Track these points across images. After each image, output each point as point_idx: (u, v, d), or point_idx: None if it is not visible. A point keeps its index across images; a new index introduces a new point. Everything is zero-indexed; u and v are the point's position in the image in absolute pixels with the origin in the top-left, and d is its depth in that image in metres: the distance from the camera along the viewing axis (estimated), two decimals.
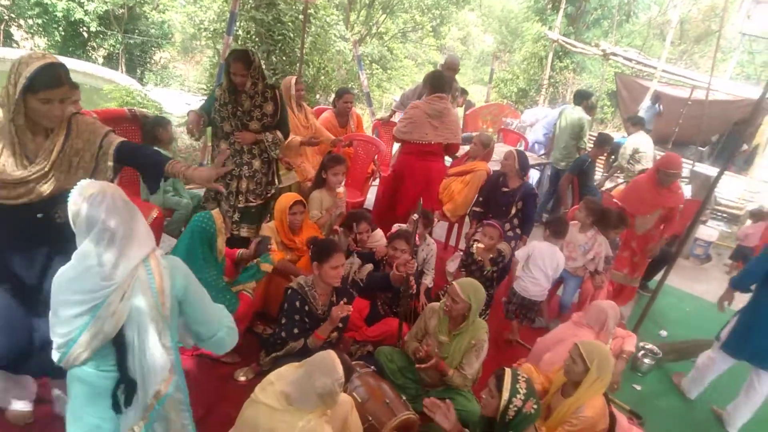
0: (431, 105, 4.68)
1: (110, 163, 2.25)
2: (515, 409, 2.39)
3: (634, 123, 7.41)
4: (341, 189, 4.61)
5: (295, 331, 3.11)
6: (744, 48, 14.47)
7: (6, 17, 16.62)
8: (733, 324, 3.86)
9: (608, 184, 7.19)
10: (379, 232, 4.28)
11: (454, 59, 6.62)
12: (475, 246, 4.20)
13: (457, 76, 6.76)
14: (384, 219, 4.74)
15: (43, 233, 2.20)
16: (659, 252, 5.13)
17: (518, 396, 2.40)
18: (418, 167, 4.79)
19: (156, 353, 1.81)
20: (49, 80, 1.97)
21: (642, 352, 4.44)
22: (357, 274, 3.78)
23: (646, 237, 4.84)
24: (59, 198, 2.09)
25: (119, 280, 1.72)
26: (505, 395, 2.40)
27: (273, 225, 3.92)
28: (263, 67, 3.88)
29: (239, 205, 3.97)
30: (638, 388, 4.21)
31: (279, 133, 3.96)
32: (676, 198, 4.68)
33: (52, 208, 2.17)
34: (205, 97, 4.81)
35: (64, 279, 1.73)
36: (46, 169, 2.08)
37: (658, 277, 5.06)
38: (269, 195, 4.12)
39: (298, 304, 3.13)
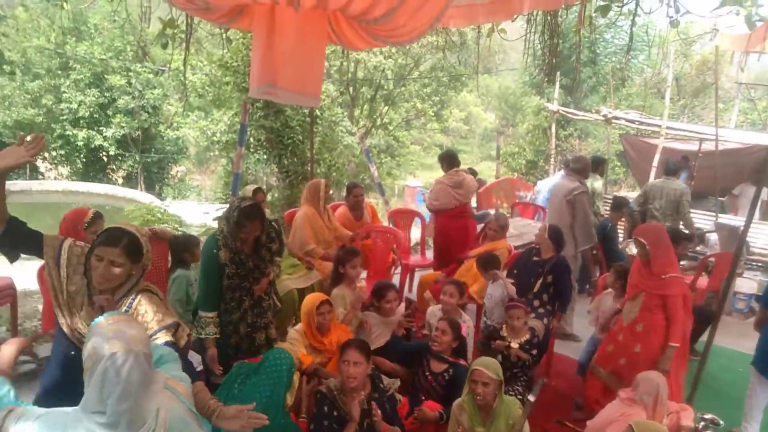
0: (452, 179, 5.92)
1: None
2: None
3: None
4: (362, 283, 4.57)
5: None
6: (743, 96, 14.69)
7: None
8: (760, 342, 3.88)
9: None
10: (403, 305, 4.33)
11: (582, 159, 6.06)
12: (507, 345, 4.07)
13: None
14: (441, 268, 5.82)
15: None
16: (698, 311, 4.91)
17: None
18: (452, 226, 5.98)
19: None
20: (105, 239, 2.13)
21: (702, 423, 4.12)
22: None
23: (632, 331, 3.83)
24: None
25: None
26: None
27: (300, 328, 3.82)
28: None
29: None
30: None
31: (278, 258, 3.71)
32: (661, 284, 3.68)
33: None
34: (224, 206, 4.78)
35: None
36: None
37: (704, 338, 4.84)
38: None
39: (326, 408, 3.05)
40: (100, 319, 1.65)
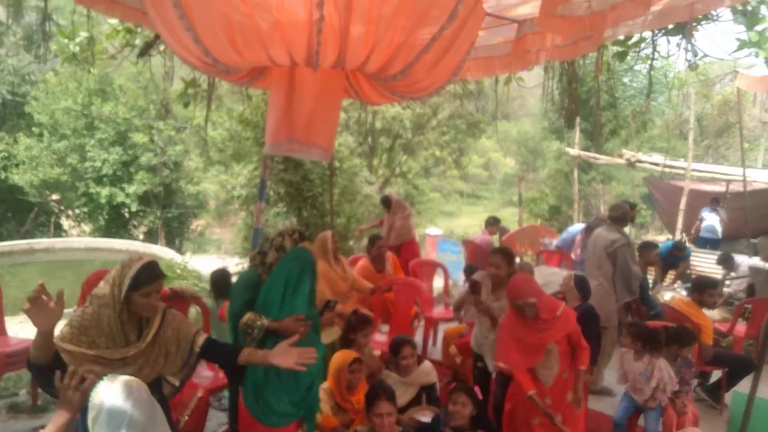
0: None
1: (197, 351, 2.50)
2: None
3: None
4: (377, 352, 4.47)
5: None
6: None
7: (56, 210, 18.04)
8: None
9: (667, 295, 6.79)
10: (427, 364, 4.10)
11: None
12: None
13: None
14: None
15: None
16: (735, 359, 4.66)
17: None
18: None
19: None
20: (150, 276, 2.30)
21: None
22: None
23: (560, 386, 3.54)
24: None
25: None
26: None
27: (326, 387, 3.68)
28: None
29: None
30: None
31: None
32: (561, 324, 3.47)
33: None
34: (243, 260, 4.73)
35: None
36: (143, 347, 2.32)
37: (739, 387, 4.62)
38: None
39: None
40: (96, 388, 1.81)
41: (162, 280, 2.38)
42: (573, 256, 7.88)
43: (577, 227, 8.37)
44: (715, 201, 10.32)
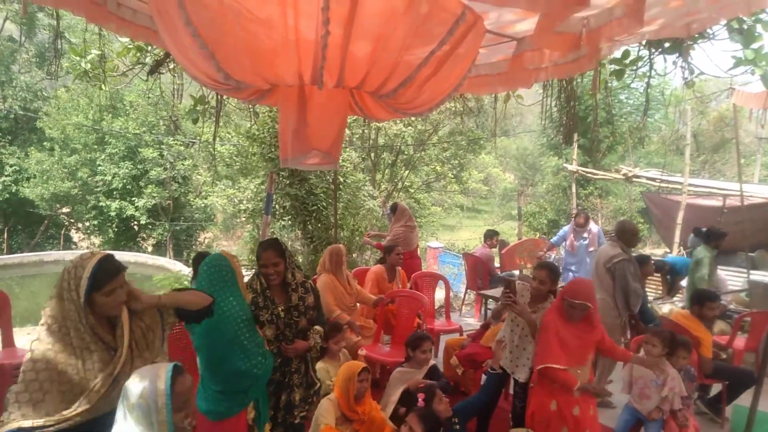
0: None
1: (171, 320, 2.38)
2: None
3: None
4: (362, 351, 4.62)
5: None
6: (765, 151, 14.66)
7: (66, 223, 18.18)
8: None
9: (665, 308, 6.84)
10: None
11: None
12: None
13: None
14: None
15: None
16: (736, 372, 4.74)
17: None
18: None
19: None
20: (110, 272, 2.05)
21: None
22: None
23: (587, 397, 3.56)
24: None
25: None
26: None
27: (333, 397, 3.69)
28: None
29: (295, 422, 3.41)
30: None
31: (318, 327, 3.51)
32: (600, 330, 3.66)
33: None
34: (249, 273, 4.81)
35: None
36: (123, 353, 2.08)
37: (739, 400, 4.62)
38: (312, 400, 3.59)
39: None
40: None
41: (124, 274, 2.11)
42: (569, 248, 8.51)
43: (566, 227, 8.88)
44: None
